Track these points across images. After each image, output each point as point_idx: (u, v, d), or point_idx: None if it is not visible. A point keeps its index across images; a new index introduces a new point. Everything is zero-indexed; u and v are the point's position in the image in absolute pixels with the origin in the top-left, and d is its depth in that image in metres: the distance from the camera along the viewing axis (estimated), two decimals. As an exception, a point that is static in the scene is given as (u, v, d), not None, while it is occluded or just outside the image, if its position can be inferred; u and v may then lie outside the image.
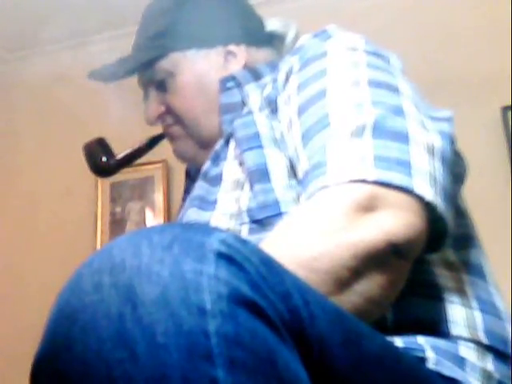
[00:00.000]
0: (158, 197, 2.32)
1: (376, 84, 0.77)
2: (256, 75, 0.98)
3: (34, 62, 2.66)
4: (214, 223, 0.84)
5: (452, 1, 2.17)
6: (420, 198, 0.66)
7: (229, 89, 0.97)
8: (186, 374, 0.44)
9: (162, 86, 1.02)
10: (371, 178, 0.66)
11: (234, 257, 0.49)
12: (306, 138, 0.77)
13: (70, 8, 2.37)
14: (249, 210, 0.81)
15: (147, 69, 1.01)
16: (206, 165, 0.94)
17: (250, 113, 0.90)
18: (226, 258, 0.49)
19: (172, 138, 1.04)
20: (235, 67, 1.00)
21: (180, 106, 1.01)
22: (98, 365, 0.46)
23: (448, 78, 1.97)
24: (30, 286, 2.33)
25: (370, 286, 0.64)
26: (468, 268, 0.77)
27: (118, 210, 2.37)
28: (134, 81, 1.05)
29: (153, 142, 1.11)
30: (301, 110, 0.80)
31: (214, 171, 0.91)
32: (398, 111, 0.73)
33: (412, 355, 0.65)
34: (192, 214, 0.88)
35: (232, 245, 0.50)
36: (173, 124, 1.03)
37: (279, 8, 2.19)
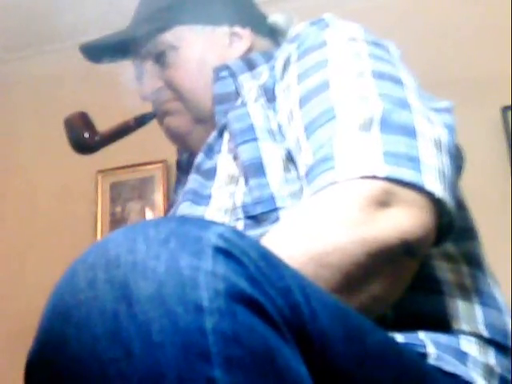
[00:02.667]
0: (158, 197, 2.32)
1: (380, 75, 0.76)
2: (250, 65, 0.96)
3: (34, 62, 2.66)
4: (208, 218, 0.81)
5: (452, 1, 2.17)
6: (430, 195, 0.65)
7: (222, 78, 0.95)
8: (182, 373, 0.43)
9: (161, 59, 0.99)
10: (382, 174, 0.65)
11: (232, 251, 0.48)
12: (310, 130, 0.75)
13: (71, 8, 2.37)
14: (244, 206, 0.79)
15: (148, 41, 0.99)
16: (199, 158, 0.91)
17: (243, 104, 0.87)
18: (224, 252, 0.48)
19: (167, 114, 1.00)
20: (239, 49, 0.98)
21: (180, 80, 0.98)
22: (92, 363, 0.45)
23: (448, 78, 1.97)
24: (30, 286, 2.33)
25: (379, 283, 0.64)
26: (467, 260, 0.76)
27: (118, 209, 2.37)
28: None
29: (142, 119, 1.04)
30: (302, 101, 0.78)
31: (208, 164, 0.89)
32: (404, 104, 0.72)
33: (413, 351, 0.64)
34: (185, 209, 0.85)
35: (230, 239, 0.49)
36: (170, 99, 0.99)
37: (279, 7, 2.19)
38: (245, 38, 0.99)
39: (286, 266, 0.52)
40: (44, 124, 2.59)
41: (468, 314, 0.72)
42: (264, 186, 0.79)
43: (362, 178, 0.66)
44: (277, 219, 0.76)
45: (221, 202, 0.82)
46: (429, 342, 0.66)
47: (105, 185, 2.40)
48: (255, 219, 0.78)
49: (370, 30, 0.85)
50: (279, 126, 0.83)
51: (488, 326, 0.71)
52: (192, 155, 1.03)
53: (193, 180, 0.88)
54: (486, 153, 1.93)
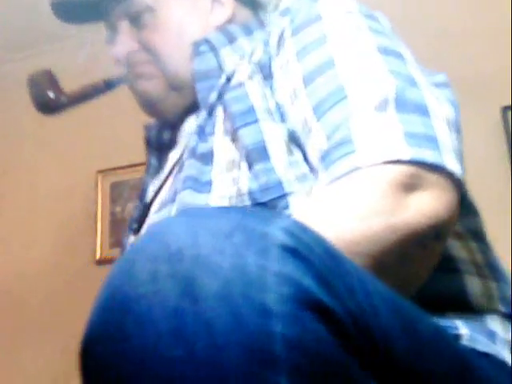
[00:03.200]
0: (158, 197, 2.32)
1: (384, 51, 0.74)
2: (230, 38, 0.91)
3: (34, 62, 2.66)
4: (212, 203, 0.77)
5: (452, 1, 2.17)
6: (451, 175, 0.65)
7: (202, 53, 0.90)
8: (246, 377, 0.42)
9: (137, 20, 0.94)
10: (406, 158, 0.63)
11: (299, 250, 0.46)
12: (320, 110, 0.72)
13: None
14: (250, 193, 0.74)
15: (123, 0, 0.94)
16: (192, 140, 0.85)
17: (240, 84, 0.82)
18: (291, 251, 0.45)
19: (140, 77, 0.94)
20: (221, 17, 0.94)
21: (158, 43, 0.93)
22: (153, 361, 0.43)
23: (448, 78, 1.97)
24: (31, 286, 2.33)
25: (409, 269, 0.63)
26: (474, 236, 0.76)
27: (118, 209, 2.37)
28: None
29: (113, 82, 0.98)
30: (307, 80, 0.75)
31: (203, 147, 0.83)
32: (412, 81, 0.71)
33: (450, 333, 0.63)
34: (187, 197, 0.80)
35: (295, 234, 0.46)
36: (145, 62, 0.94)
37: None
38: (227, 4, 0.94)
39: (347, 261, 0.50)
40: (44, 124, 2.59)
41: (486, 291, 0.71)
42: (270, 170, 0.75)
43: (386, 162, 0.64)
44: (286, 206, 0.73)
45: (223, 188, 0.78)
46: (460, 323, 0.65)
47: (105, 185, 2.40)
48: (263, 207, 0.74)
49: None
50: (277, 105, 0.79)
51: (503, 301, 0.71)
52: (161, 131, 0.99)
53: (189, 166, 0.83)
54: (486, 153, 1.93)
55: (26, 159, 2.56)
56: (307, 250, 0.46)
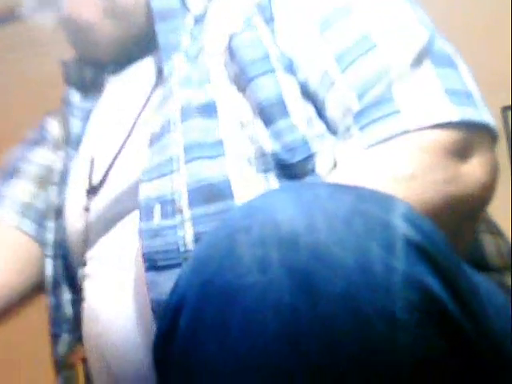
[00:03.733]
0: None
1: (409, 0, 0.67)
2: None
3: (34, 62, 2.66)
4: (232, 174, 0.65)
5: (452, 1, 2.17)
6: (491, 130, 0.62)
7: None
8: None
9: None
10: (455, 119, 0.59)
11: (424, 245, 0.41)
12: (345, 60, 0.65)
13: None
14: (275, 154, 0.66)
15: None
16: (186, 92, 0.72)
17: (252, 27, 0.72)
18: (417, 248, 0.41)
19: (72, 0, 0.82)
20: None
21: None
22: (257, 363, 0.38)
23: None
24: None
25: (459, 239, 0.59)
26: None
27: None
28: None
29: (34, 5, 0.83)
30: (324, 24, 0.67)
31: (199, 98, 0.71)
32: (433, 30, 0.67)
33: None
34: (198, 170, 0.68)
35: (417, 224, 0.41)
36: None
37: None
38: None
39: (452, 251, 0.45)
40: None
41: (498, 248, 0.69)
42: (292, 128, 0.67)
43: (436, 126, 0.59)
44: (313, 168, 0.66)
45: (239, 148, 0.68)
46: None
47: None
48: (291, 170, 0.66)
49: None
50: (282, 54, 0.70)
51: (509, 256, 0.69)
52: (82, 67, 0.86)
53: (191, 129, 0.71)
54: (486, 153, 1.93)
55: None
56: (432, 246, 0.42)
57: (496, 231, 0.74)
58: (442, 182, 0.57)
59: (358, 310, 0.37)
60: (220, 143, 0.68)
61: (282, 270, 0.38)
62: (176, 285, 0.43)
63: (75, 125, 0.86)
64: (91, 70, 0.87)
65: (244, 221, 0.41)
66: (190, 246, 0.63)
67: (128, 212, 0.74)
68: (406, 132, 0.59)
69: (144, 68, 0.83)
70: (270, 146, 0.66)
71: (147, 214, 0.68)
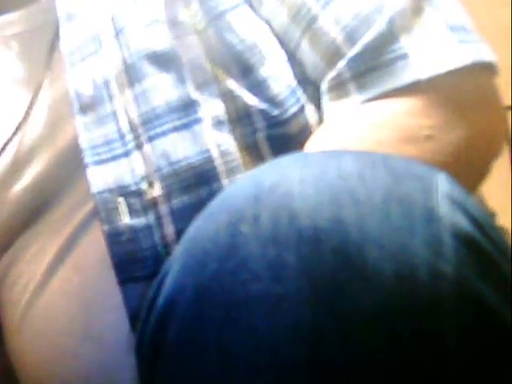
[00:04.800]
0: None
1: None
2: None
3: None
4: (214, 147, 0.51)
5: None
6: (493, 66, 0.55)
7: None
8: None
9: None
10: (468, 62, 0.50)
11: (477, 242, 0.33)
12: None
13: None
14: (262, 110, 0.52)
15: None
16: (146, 42, 0.56)
17: None
18: (467, 246, 0.32)
19: None
20: None
21: None
22: (263, 374, 0.29)
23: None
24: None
25: (474, 189, 0.54)
26: None
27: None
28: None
29: None
30: None
31: (159, 46, 0.55)
32: None
33: None
34: (171, 145, 0.53)
35: (461, 205, 0.33)
36: None
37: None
38: None
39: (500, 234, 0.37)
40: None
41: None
42: (277, 77, 0.54)
43: (449, 73, 0.50)
44: (305, 122, 0.54)
45: (215, 108, 0.53)
46: None
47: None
48: (284, 127, 0.53)
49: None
50: None
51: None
52: None
53: (146, 89, 0.54)
54: (486, 153, 1.93)
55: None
56: (484, 237, 0.33)
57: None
58: (462, 140, 0.49)
59: (394, 331, 0.30)
60: (192, 105, 0.53)
61: (302, 279, 0.30)
62: (162, 283, 0.35)
63: None
64: None
65: (249, 207, 0.32)
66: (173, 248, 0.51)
67: (59, 201, 0.59)
68: (419, 81, 0.49)
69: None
70: (255, 100, 0.53)
71: (109, 213, 0.54)
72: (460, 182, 0.41)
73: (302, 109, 0.53)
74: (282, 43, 0.55)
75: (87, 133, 0.56)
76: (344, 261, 0.30)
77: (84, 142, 0.56)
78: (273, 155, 0.51)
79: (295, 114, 0.53)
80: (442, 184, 0.34)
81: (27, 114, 0.60)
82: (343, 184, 0.31)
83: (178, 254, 0.34)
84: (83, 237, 0.57)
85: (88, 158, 0.55)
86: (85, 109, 0.57)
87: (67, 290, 0.56)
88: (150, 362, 0.34)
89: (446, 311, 0.30)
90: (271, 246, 0.30)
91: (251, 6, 0.55)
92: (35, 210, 0.60)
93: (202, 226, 0.34)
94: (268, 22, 0.55)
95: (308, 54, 0.54)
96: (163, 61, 0.54)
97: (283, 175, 0.32)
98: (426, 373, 0.29)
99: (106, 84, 0.57)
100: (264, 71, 0.53)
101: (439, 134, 0.48)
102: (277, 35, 0.55)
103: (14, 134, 0.60)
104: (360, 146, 0.47)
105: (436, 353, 0.29)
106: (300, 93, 0.54)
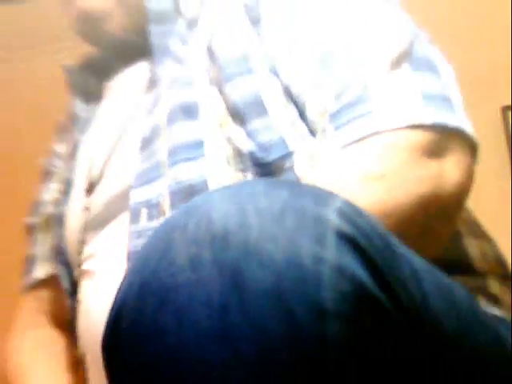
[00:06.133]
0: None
1: (388, 2, 0.69)
2: None
3: (34, 62, 2.66)
4: (208, 174, 0.67)
5: (452, 1, 2.17)
6: (468, 138, 0.62)
7: None
8: None
9: None
10: (428, 122, 0.59)
11: (357, 239, 0.41)
12: (326, 61, 0.65)
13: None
14: (252, 153, 0.66)
15: None
16: (173, 95, 0.74)
17: (235, 27, 0.72)
18: (348, 240, 0.40)
19: None
20: None
21: None
22: (192, 362, 0.38)
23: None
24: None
25: (430, 239, 0.60)
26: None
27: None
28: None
29: None
30: (308, 26, 0.67)
31: (183, 98, 0.72)
32: (417, 36, 0.67)
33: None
34: (181, 171, 0.69)
35: (352, 218, 0.41)
36: None
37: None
38: None
39: (398, 245, 0.46)
40: (44, 124, 2.58)
41: (482, 252, 0.68)
42: (270, 127, 0.66)
43: (407, 127, 0.59)
44: (291, 166, 0.66)
45: (218, 149, 0.68)
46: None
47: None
48: (267, 168, 0.66)
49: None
50: (267, 55, 0.69)
51: (499, 261, 0.69)
52: (86, 76, 0.88)
53: (172, 133, 0.72)
54: (486, 153, 1.93)
55: (26, 160, 2.55)
56: (365, 239, 0.41)
57: (481, 235, 0.73)
58: (413, 181, 0.57)
59: (287, 304, 0.38)
60: (201, 144, 0.69)
61: (213, 268, 0.39)
62: (119, 286, 0.43)
63: (76, 133, 0.90)
64: (93, 76, 0.89)
65: (181, 219, 0.42)
66: None
67: (121, 212, 0.77)
68: (377, 133, 0.59)
69: (138, 71, 0.84)
70: (246, 145, 0.67)
71: (135, 217, 0.71)
72: (414, 219, 0.55)
73: (288, 154, 0.65)
74: (295, 103, 0.67)
75: (140, 164, 0.75)
76: (245, 253, 0.39)
77: (135, 172, 0.75)
78: None
79: (280, 158, 0.65)
80: (336, 202, 0.42)
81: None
82: (251, 199, 0.41)
83: (132, 262, 0.44)
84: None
85: (133, 183, 0.74)
86: (143, 146, 0.75)
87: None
88: (111, 349, 0.43)
89: (326, 287, 0.38)
90: (193, 245, 0.40)
91: (275, 72, 0.68)
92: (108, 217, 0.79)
93: (148, 238, 0.44)
94: (289, 86, 0.67)
95: (310, 110, 0.66)
96: (190, 111, 0.70)
97: (209, 196, 0.43)
98: (310, 334, 0.38)
99: (156, 128, 0.74)
100: (260, 123, 0.67)
101: (392, 174, 0.58)
102: (292, 96, 0.67)
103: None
104: (330, 184, 0.56)
105: (318, 319, 0.38)
106: (291, 140, 0.66)
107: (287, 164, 0.65)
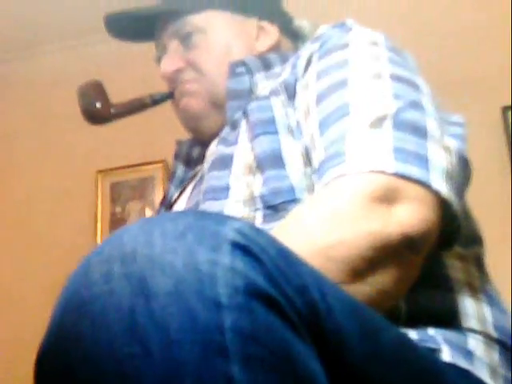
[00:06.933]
0: (158, 197, 2.32)
1: (397, 78, 0.77)
2: (266, 65, 0.96)
3: (34, 62, 2.66)
4: (227, 211, 0.80)
5: (452, 1, 2.17)
6: (436, 194, 0.66)
7: (238, 74, 0.95)
8: (200, 371, 0.43)
9: (187, 40, 0.99)
10: (390, 170, 0.66)
11: (250, 247, 0.47)
12: (324, 125, 0.76)
13: (70, 7, 2.37)
14: (262, 196, 0.78)
15: (177, 20, 0.99)
16: (215, 150, 0.89)
17: (266, 97, 0.87)
18: (242, 248, 0.47)
19: (186, 95, 0.99)
20: (265, 44, 0.99)
21: (205, 63, 0.98)
22: (107, 360, 0.44)
23: (448, 78, 1.97)
24: (31, 288, 2.33)
25: (383, 277, 0.64)
26: (475, 261, 0.78)
27: (118, 210, 2.38)
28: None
29: (158, 98, 1.02)
30: (320, 98, 0.79)
31: (224, 154, 0.87)
32: (418, 106, 0.73)
33: (427, 348, 0.64)
34: (207, 207, 0.83)
35: (247, 234, 0.48)
36: (191, 80, 0.98)
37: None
38: (272, 34, 1.00)
39: (302, 263, 0.52)
40: (44, 124, 2.59)
41: (477, 313, 0.72)
42: (283, 177, 0.78)
43: (371, 172, 0.66)
44: None
45: (239, 192, 0.81)
46: (440, 339, 0.66)
47: (105, 185, 2.40)
48: (274, 209, 0.77)
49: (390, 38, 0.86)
50: (297, 123, 0.83)
51: (495, 326, 0.72)
52: (192, 147, 1.04)
53: (210, 177, 0.86)
54: (486, 153, 1.93)
55: (26, 159, 2.56)
56: (259, 250, 0.47)
57: (482, 299, 0.77)
58: (359, 217, 0.64)
59: (186, 301, 0.44)
60: (227, 188, 0.82)
61: (122, 279, 0.45)
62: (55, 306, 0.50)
63: (171, 190, 1.05)
64: (197, 148, 1.06)
65: (100, 247, 0.49)
66: None
67: None
68: (342, 175, 0.68)
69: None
70: (260, 190, 0.79)
71: None
72: (364, 256, 0.62)
73: (295, 200, 0.76)
74: (311, 158, 0.79)
75: (188, 201, 0.92)
76: (150, 264, 0.45)
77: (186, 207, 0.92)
78: (263, 225, 0.75)
79: (287, 202, 0.76)
80: (235, 223, 0.48)
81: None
82: (158, 224, 0.48)
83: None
84: None
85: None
86: (193, 188, 0.93)
87: None
88: (39, 363, 0.49)
89: (221, 284, 0.44)
90: (106, 263, 0.47)
91: (300, 137, 0.81)
92: None
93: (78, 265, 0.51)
94: (308, 148, 0.79)
95: (313, 164, 0.78)
96: (226, 162, 0.84)
97: (126, 227, 0.50)
98: (209, 324, 0.43)
99: (202, 175, 0.90)
100: (274, 172, 0.79)
101: (342, 212, 0.65)
102: (309, 155, 0.79)
103: None
104: (296, 220, 0.68)
105: (215, 311, 0.43)
106: (300, 189, 0.77)
107: (292, 208, 0.73)
